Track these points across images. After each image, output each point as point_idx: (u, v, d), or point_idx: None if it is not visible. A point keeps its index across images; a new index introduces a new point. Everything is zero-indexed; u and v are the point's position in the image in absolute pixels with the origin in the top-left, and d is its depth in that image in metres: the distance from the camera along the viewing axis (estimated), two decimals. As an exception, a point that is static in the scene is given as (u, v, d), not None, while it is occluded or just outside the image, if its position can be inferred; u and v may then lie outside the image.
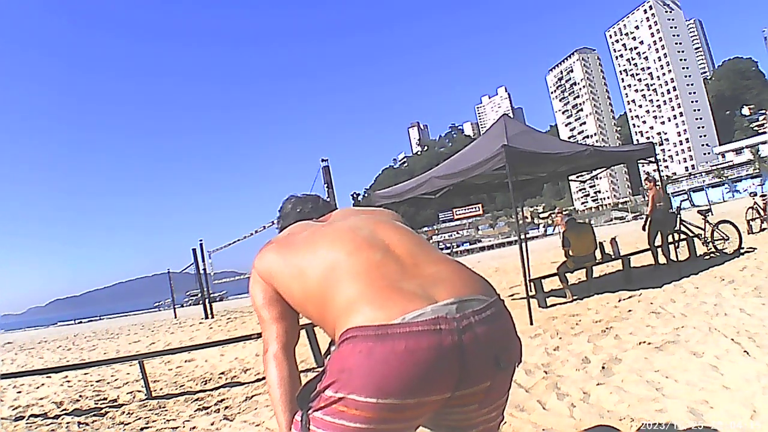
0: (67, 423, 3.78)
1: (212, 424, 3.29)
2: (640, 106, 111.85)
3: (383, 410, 0.87)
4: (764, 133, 72.34)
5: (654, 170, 7.19)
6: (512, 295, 7.21)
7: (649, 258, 7.79)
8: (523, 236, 6.04)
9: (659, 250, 7.26)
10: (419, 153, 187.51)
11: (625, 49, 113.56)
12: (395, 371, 0.86)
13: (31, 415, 4.14)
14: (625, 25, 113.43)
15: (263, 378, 4.44)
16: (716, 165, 76.91)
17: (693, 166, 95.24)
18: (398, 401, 0.86)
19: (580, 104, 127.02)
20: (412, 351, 0.86)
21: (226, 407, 3.69)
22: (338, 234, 1.13)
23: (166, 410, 3.88)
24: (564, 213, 14.95)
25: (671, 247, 7.31)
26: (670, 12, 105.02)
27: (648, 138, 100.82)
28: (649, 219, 7.37)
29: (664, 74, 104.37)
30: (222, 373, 5.02)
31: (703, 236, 7.63)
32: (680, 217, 7.58)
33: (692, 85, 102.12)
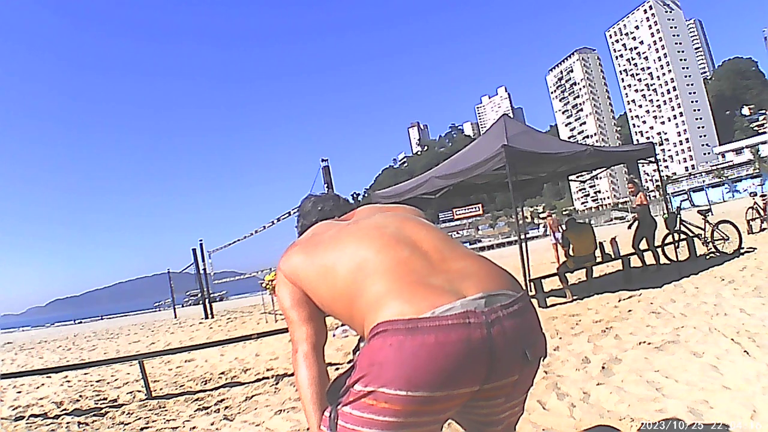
0: (67, 423, 3.78)
1: (212, 424, 3.29)
2: (640, 106, 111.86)
3: (413, 403, 0.87)
4: (764, 133, 72.46)
5: (654, 170, 7.21)
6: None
7: (649, 258, 7.79)
8: (523, 236, 6.04)
9: (648, 252, 7.18)
10: (419, 153, 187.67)
11: (625, 49, 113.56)
12: (425, 364, 0.87)
13: (31, 415, 4.13)
14: (625, 25, 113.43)
15: (263, 378, 4.44)
16: (716, 165, 76.92)
17: (693, 166, 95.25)
18: (428, 394, 0.87)
19: (580, 104, 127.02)
20: (442, 344, 0.87)
21: (226, 407, 3.69)
22: (365, 232, 1.13)
23: (166, 410, 3.87)
24: (555, 216, 14.75)
25: (662, 248, 7.30)
26: (670, 12, 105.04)
27: (648, 138, 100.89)
28: (637, 223, 7.31)
29: (664, 74, 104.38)
30: (222, 373, 5.02)
31: (703, 236, 7.63)
32: (680, 217, 7.58)
33: (692, 85, 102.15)
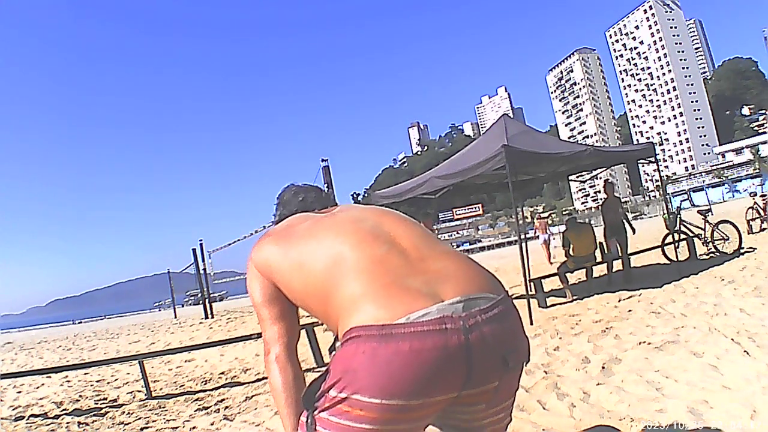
0: (67, 423, 3.78)
1: (212, 424, 3.29)
2: (640, 106, 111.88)
3: (388, 411, 0.85)
4: (764, 133, 72.52)
5: (654, 170, 7.05)
6: (512, 295, 7.16)
7: (649, 258, 7.79)
8: (523, 236, 6.03)
9: (620, 260, 6.76)
10: (419, 153, 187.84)
11: (625, 49, 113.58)
12: (399, 372, 0.84)
13: (31, 415, 4.13)
14: (625, 25, 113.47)
15: (263, 378, 4.44)
16: (716, 165, 76.95)
17: (693, 166, 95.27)
18: (403, 402, 0.85)
19: (580, 104, 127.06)
20: (416, 352, 0.84)
21: (226, 407, 3.69)
22: (341, 226, 1.09)
23: (166, 410, 3.87)
24: (543, 218, 14.77)
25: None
26: (670, 12, 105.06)
27: (648, 138, 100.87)
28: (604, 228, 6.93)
29: (664, 74, 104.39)
30: (222, 373, 5.02)
31: (703, 236, 7.63)
32: (680, 217, 7.58)
33: (692, 85, 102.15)
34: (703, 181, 67.16)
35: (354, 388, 0.86)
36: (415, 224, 1.13)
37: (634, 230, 7.05)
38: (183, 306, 28.03)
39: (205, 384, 4.65)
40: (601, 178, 8.03)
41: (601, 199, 7.44)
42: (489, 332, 0.90)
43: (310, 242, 1.08)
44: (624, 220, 6.93)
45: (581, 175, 8.35)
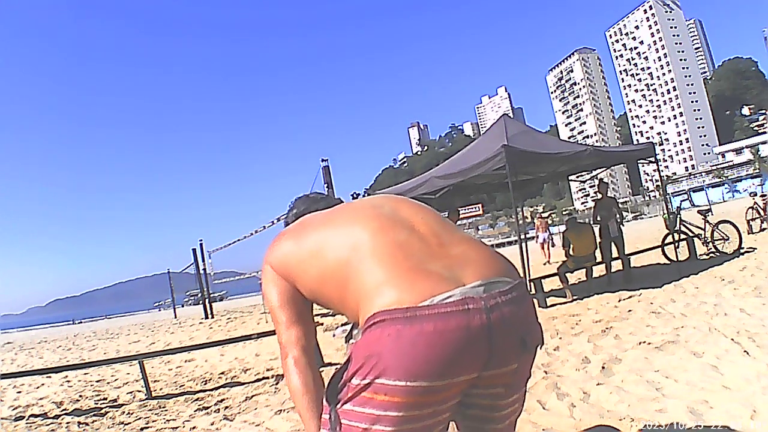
0: (67, 423, 3.78)
1: (212, 424, 3.29)
2: (640, 106, 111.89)
3: (413, 394, 0.85)
4: (764, 133, 72.49)
5: (654, 170, 7.09)
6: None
7: (649, 258, 7.78)
8: (523, 236, 6.04)
9: (621, 261, 6.71)
10: (419, 153, 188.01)
11: (625, 49, 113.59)
12: (424, 353, 0.85)
13: (31, 415, 4.13)
14: (625, 25, 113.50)
15: (263, 378, 4.44)
16: (716, 165, 76.93)
17: (693, 166, 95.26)
18: (427, 383, 0.85)
19: (580, 104, 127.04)
20: (440, 332, 0.85)
21: (226, 407, 3.69)
22: (359, 211, 1.09)
23: (166, 410, 3.87)
24: (544, 218, 14.88)
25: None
26: (670, 12, 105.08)
27: (648, 138, 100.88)
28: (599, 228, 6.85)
29: (664, 74, 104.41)
30: (222, 373, 5.02)
31: (703, 236, 7.63)
32: (680, 217, 7.58)
33: (692, 85, 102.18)
34: (703, 181, 67.08)
35: (378, 372, 0.86)
36: (431, 211, 1.14)
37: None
38: (183, 306, 28.01)
39: (205, 384, 4.64)
40: (599, 178, 8.04)
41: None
42: (508, 313, 0.91)
43: (327, 229, 1.08)
44: (616, 220, 6.92)
45: (581, 175, 8.36)
